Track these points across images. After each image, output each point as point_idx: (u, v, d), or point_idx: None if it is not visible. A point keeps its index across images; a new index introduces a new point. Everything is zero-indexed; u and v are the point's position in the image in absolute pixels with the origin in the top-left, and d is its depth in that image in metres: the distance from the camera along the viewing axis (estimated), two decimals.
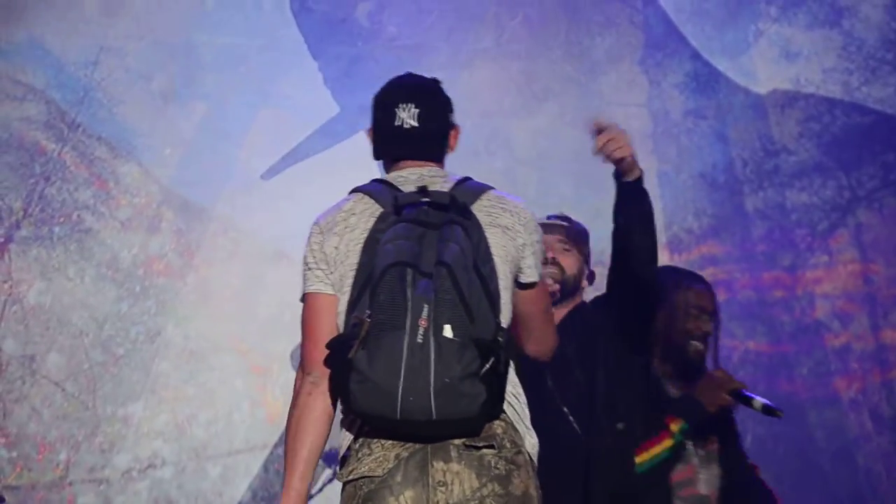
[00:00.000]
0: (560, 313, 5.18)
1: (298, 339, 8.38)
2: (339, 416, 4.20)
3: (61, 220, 8.51)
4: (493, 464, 3.29)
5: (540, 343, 3.87)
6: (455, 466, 3.26)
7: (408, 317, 3.14)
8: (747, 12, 8.73)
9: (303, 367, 3.59)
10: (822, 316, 8.33)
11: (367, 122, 8.82)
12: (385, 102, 4.03)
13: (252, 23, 8.76)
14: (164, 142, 8.57)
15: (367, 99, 8.66)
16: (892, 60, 8.62)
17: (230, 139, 8.59)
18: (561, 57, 8.77)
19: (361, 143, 8.50)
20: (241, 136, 8.62)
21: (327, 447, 5.03)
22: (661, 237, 8.44)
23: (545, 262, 4.53)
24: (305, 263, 3.68)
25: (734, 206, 8.61)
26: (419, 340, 3.12)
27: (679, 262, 8.52)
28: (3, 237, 8.42)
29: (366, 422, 3.36)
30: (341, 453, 3.57)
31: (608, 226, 7.94)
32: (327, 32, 8.72)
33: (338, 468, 3.76)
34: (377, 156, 4.11)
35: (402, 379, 3.12)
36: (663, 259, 8.47)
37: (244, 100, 8.59)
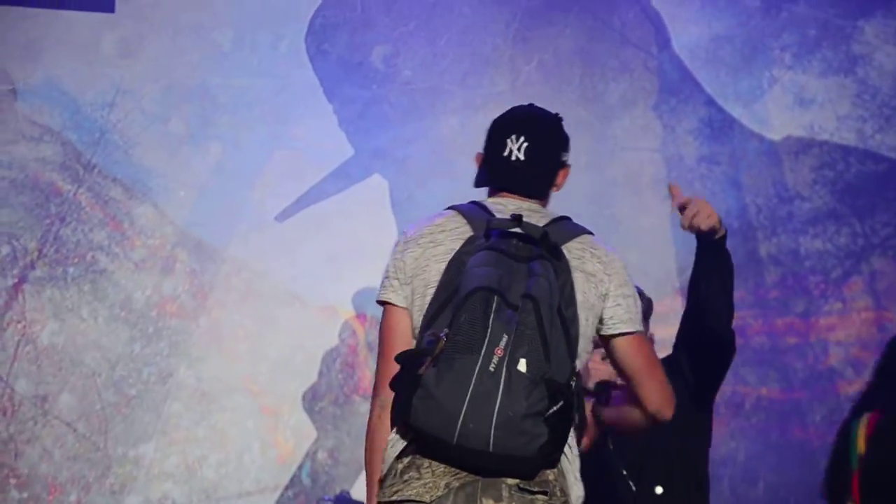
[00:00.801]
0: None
1: (310, 380, 8.12)
2: None
3: (76, 260, 8.54)
4: None
5: (651, 401, 3.70)
6: None
7: (485, 343, 3.07)
8: (762, 59, 8.70)
9: (374, 389, 3.51)
10: (836, 363, 8.24)
11: (381, 165, 8.58)
12: (498, 131, 3.83)
13: (267, 65, 8.76)
14: (178, 183, 8.58)
15: (382, 142, 8.39)
16: None
17: (244, 181, 8.59)
18: (575, 101, 8.72)
19: (375, 185, 8.40)
20: (255, 178, 8.62)
21: None
22: (675, 283, 8.56)
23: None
24: (385, 271, 3.58)
25: (748, 251, 8.51)
26: (491, 369, 3.05)
27: None
28: (18, 277, 8.46)
29: (419, 440, 3.25)
30: (383, 470, 3.44)
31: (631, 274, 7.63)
32: (343, 75, 8.72)
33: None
34: (479, 183, 3.95)
35: (466, 404, 3.07)
36: (676, 305, 8.33)
37: (259, 141, 8.60)
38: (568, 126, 9.19)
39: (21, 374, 8.37)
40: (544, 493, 3.20)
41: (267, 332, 8.48)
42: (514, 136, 3.71)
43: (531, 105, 3.96)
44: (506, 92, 8.64)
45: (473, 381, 3.07)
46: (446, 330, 3.10)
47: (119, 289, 8.38)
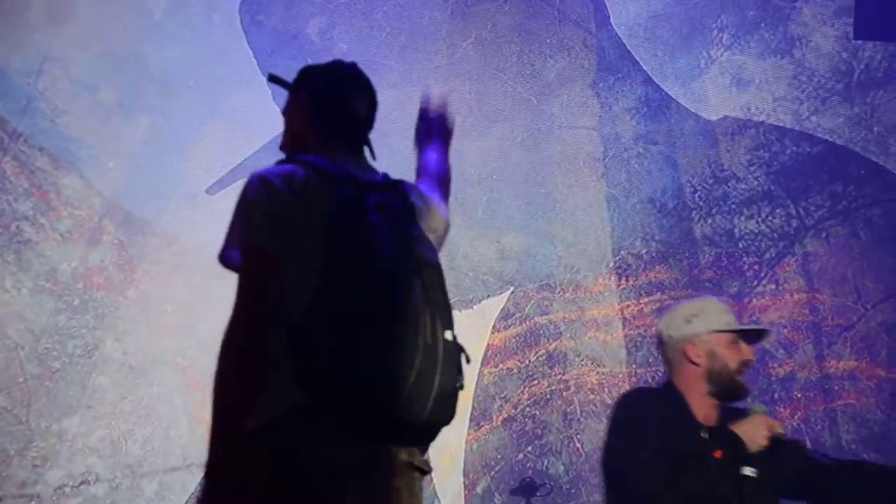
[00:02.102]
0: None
1: None
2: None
3: (4, 233, 8.32)
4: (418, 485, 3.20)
5: None
6: (398, 481, 3.06)
7: (415, 314, 3.03)
8: (700, 39, 8.79)
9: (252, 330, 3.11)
10: (768, 344, 8.22)
11: None
12: (338, 88, 3.64)
13: (201, 36, 8.60)
14: (107, 154, 8.54)
15: None
16: (841, 91, 8.78)
17: (176, 153, 8.42)
18: (513, 78, 8.86)
19: None
20: (187, 150, 8.48)
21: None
22: (610, 261, 8.55)
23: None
24: (259, 216, 3.22)
25: (682, 232, 8.73)
26: (428, 342, 3.00)
27: (626, 287, 8.79)
28: None
29: (340, 407, 3.07)
30: (259, 419, 3.12)
31: (554, 248, 8.09)
32: (277, 47, 8.71)
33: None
34: (317, 139, 3.59)
35: (413, 377, 3.01)
36: (611, 283, 8.52)
37: (191, 112, 8.44)
38: (505, 102, 8.98)
39: None
40: (423, 472, 3.11)
41: (197, 305, 8.24)
42: (357, 94, 3.64)
43: (354, 63, 3.82)
44: (442, 67, 8.72)
45: (416, 353, 3.00)
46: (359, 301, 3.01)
47: (44, 260, 8.27)
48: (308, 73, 3.72)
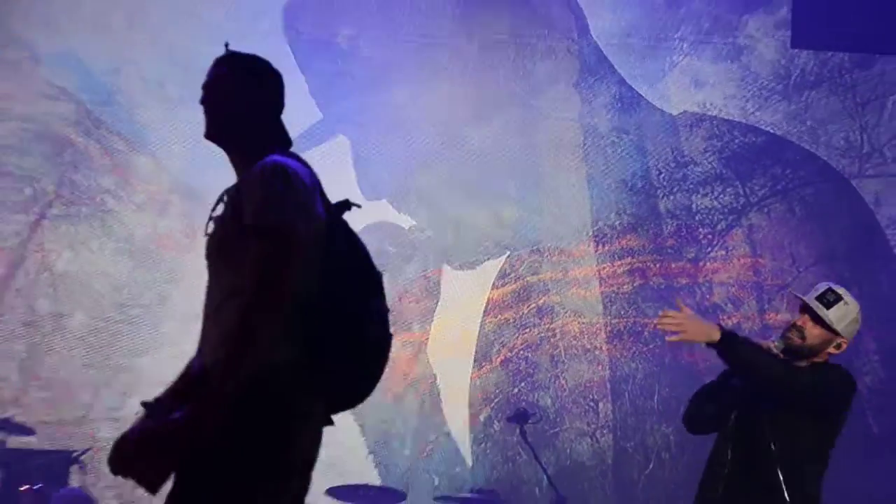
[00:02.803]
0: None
1: None
2: None
3: (87, 201, 9.22)
4: None
5: None
6: None
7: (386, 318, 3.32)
8: (664, 46, 9.56)
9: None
10: (719, 300, 9.24)
11: (344, 128, 9.03)
12: (279, 82, 3.48)
13: (250, 40, 8.96)
14: (173, 138, 9.23)
15: (345, 109, 8.89)
16: (781, 91, 9.58)
17: None
18: (508, 77, 9.61)
19: (339, 144, 9.02)
20: None
21: None
22: (589, 231, 9.32)
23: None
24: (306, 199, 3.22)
25: (649, 207, 9.53)
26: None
27: (602, 252, 9.54)
28: (38, 214, 9.10)
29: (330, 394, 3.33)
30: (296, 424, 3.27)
31: (542, 219, 8.72)
32: (313, 51, 9.38)
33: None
34: (272, 137, 3.44)
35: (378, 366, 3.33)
36: (590, 249, 9.35)
37: None
38: (502, 98, 9.80)
39: (40, 295, 9.01)
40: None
41: None
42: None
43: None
44: (449, 67, 9.52)
45: (387, 346, 3.31)
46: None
47: (123, 226, 9.11)
48: (262, 63, 3.49)
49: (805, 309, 4.99)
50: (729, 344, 4.83)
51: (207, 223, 3.41)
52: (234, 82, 3.37)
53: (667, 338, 5.03)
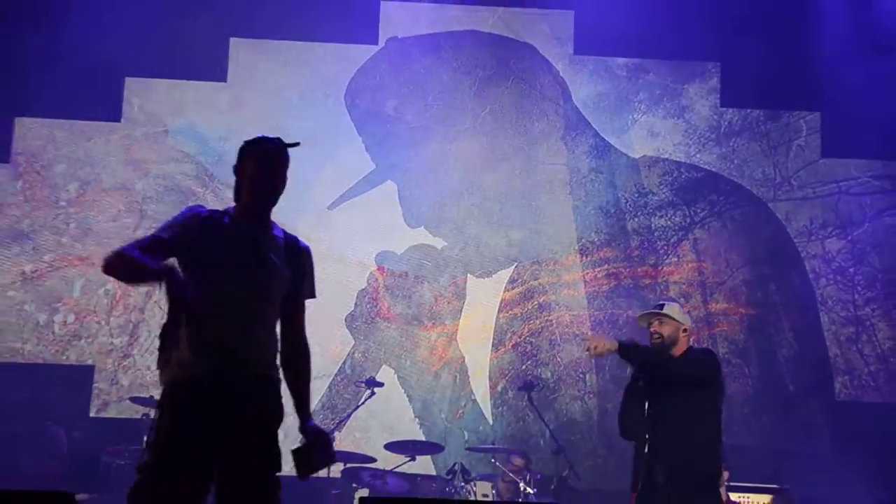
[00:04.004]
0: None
1: (350, 308, 9.53)
2: None
3: None
4: None
5: None
6: None
7: None
8: (627, 108, 10.20)
9: None
10: (674, 294, 9.70)
11: (392, 174, 9.88)
12: (268, 158, 4.26)
13: (323, 112, 9.97)
14: None
15: (394, 160, 9.88)
16: (714, 139, 10.21)
17: (309, 184, 9.58)
18: (513, 133, 10.16)
19: (389, 187, 9.92)
20: (315, 182, 9.71)
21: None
22: (575, 246, 9.79)
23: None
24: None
25: (620, 227, 10.06)
26: None
27: (586, 261, 9.93)
28: None
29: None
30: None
31: (540, 238, 9.23)
32: (368, 118, 10.12)
33: None
34: (269, 200, 4.22)
35: None
36: (576, 259, 9.79)
37: (317, 159, 9.64)
38: (507, 149, 9.98)
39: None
40: None
41: (323, 278, 8.21)
42: (276, 164, 4.20)
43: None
44: (469, 129, 10.11)
45: None
46: None
47: None
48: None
49: (650, 319, 5.74)
50: (626, 350, 5.52)
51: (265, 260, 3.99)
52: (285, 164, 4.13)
53: (587, 355, 5.77)
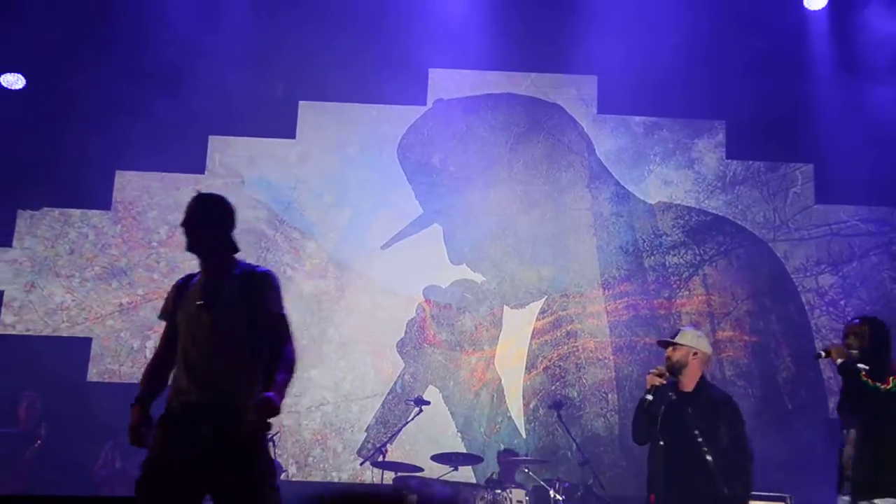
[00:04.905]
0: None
1: (401, 335, 9.73)
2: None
3: (276, 272, 7.39)
4: None
5: None
6: None
7: None
8: (643, 160, 10.39)
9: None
10: (686, 322, 9.68)
11: (438, 218, 10.05)
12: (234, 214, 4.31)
13: (379, 164, 10.26)
14: (329, 229, 10.18)
15: (440, 206, 10.07)
16: (720, 187, 10.34)
17: (367, 227, 9.98)
18: (543, 182, 10.30)
19: (435, 229, 9.99)
20: (370, 226, 10.03)
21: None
22: (598, 280, 9.81)
23: None
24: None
25: (638, 264, 10.17)
26: None
27: (608, 294, 9.94)
28: None
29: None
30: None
31: (568, 274, 9.19)
32: (417, 169, 10.38)
33: None
34: (233, 250, 4.30)
35: None
36: (599, 293, 9.71)
37: (372, 205, 10.02)
38: (538, 197, 9.99)
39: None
40: None
41: (377, 309, 9.83)
42: (189, 218, 4.28)
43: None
44: (505, 179, 10.26)
45: None
46: None
47: (298, 286, 9.95)
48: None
49: (663, 346, 5.83)
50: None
51: (207, 299, 4.13)
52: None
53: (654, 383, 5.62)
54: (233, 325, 4.11)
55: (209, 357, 4.05)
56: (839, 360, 5.52)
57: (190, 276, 4.32)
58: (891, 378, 5.37)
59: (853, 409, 5.52)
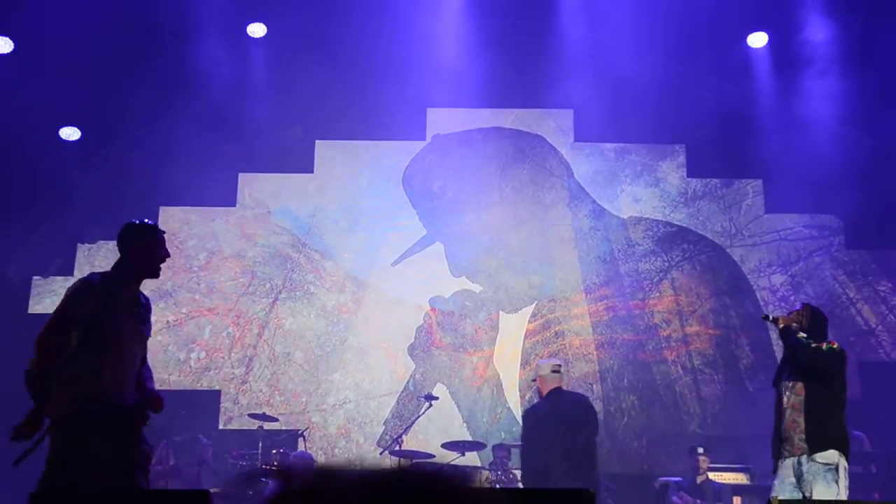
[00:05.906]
0: None
1: (410, 340, 10.33)
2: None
3: (299, 289, 10.59)
4: None
5: None
6: None
7: None
8: (616, 181, 10.95)
9: None
10: (658, 321, 10.44)
11: (440, 237, 10.70)
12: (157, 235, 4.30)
13: (386, 192, 10.82)
14: (345, 250, 10.76)
15: (440, 227, 10.74)
16: (683, 202, 10.86)
17: (378, 247, 10.55)
18: (529, 203, 10.80)
19: (437, 247, 10.63)
20: (382, 245, 10.61)
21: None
22: (580, 286, 10.22)
23: None
24: None
25: (615, 270, 10.67)
26: None
27: (589, 298, 10.31)
28: (274, 297, 10.55)
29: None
30: None
31: (554, 282, 9.71)
32: (420, 195, 10.90)
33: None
34: (154, 271, 4.26)
35: None
36: (581, 298, 10.19)
37: (383, 228, 10.59)
38: (526, 215, 10.60)
39: (277, 342, 10.44)
40: None
41: (389, 318, 10.35)
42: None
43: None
44: (496, 201, 10.73)
45: None
46: None
47: (319, 301, 10.55)
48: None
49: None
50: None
51: (146, 324, 4.38)
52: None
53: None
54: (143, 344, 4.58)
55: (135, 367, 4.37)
56: (782, 325, 5.79)
57: (104, 285, 4.39)
58: (823, 343, 5.65)
59: (792, 360, 5.75)
